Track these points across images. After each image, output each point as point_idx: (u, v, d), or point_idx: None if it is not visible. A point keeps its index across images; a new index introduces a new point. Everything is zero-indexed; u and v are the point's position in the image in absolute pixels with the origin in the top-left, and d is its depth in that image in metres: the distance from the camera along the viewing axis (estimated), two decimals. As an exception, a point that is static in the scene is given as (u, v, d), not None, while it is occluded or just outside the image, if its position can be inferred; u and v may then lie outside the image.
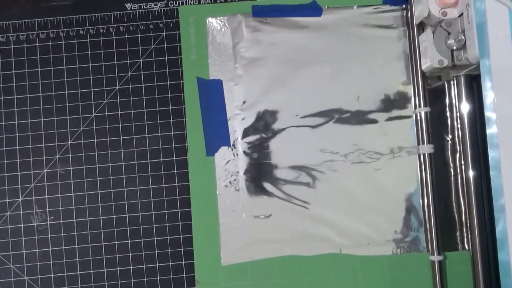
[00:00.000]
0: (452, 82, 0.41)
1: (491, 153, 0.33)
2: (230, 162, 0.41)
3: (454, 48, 0.37)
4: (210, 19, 0.42)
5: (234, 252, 0.40)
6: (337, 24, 0.42)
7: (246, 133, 0.41)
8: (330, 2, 0.42)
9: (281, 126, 0.41)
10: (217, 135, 0.41)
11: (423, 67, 0.40)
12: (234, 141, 0.41)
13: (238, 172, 0.41)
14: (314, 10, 0.42)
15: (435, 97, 0.42)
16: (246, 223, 0.41)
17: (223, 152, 0.41)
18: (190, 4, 0.42)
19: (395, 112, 0.42)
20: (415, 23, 0.40)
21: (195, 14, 0.42)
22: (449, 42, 0.37)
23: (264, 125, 0.41)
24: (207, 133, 0.41)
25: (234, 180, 0.41)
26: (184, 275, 0.40)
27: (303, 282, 0.40)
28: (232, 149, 0.41)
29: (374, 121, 0.41)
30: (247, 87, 0.42)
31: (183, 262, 0.40)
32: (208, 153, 0.41)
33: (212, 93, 0.41)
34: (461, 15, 0.37)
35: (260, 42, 0.42)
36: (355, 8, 0.42)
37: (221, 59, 0.42)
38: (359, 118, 0.41)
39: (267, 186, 0.41)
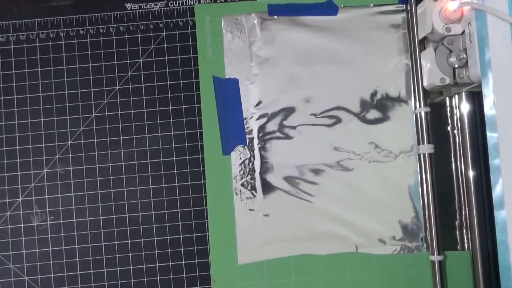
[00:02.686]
0: (453, 99, 0.41)
1: (491, 153, 0.33)
2: (246, 161, 0.41)
3: (456, 66, 0.37)
4: (225, 17, 0.42)
5: (250, 251, 0.40)
6: (352, 23, 0.42)
7: (262, 132, 0.41)
8: (346, 1, 0.42)
9: (297, 125, 0.41)
10: (233, 134, 0.41)
11: (424, 85, 0.40)
12: (250, 140, 0.41)
13: (254, 171, 0.41)
14: (330, 9, 0.42)
15: (435, 94, 0.42)
16: (262, 222, 0.41)
17: (239, 151, 0.41)
18: (191, 4, 0.42)
19: (409, 112, 0.42)
20: (417, 39, 0.40)
21: (211, 12, 0.42)
22: (450, 60, 0.37)
23: (280, 124, 0.41)
24: (223, 132, 0.41)
25: (250, 179, 0.41)
26: (185, 275, 0.40)
27: (318, 281, 0.40)
28: (248, 148, 0.41)
29: (389, 120, 0.41)
30: (262, 86, 0.42)
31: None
32: (224, 152, 0.41)
33: (228, 91, 0.41)
34: (463, 33, 0.37)
35: (275, 41, 0.42)
36: (371, 7, 0.42)
37: (236, 58, 0.42)
38: (374, 117, 0.41)
39: (283, 185, 0.41)
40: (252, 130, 0.41)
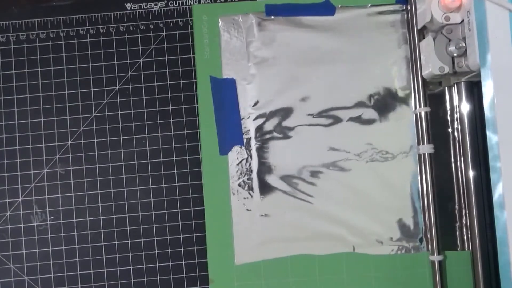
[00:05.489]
0: (453, 88, 0.41)
1: (491, 154, 0.33)
2: (243, 161, 0.41)
3: (455, 55, 0.37)
4: (223, 18, 0.42)
5: (247, 251, 0.40)
6: (349, 23, 0.42)
7: (259, 132, 0.41)
8: (343, 1, 0.42)
9: (294, 125, 0.41)
10: (230, 134, 0.41)
11: (423, 74, 0.40)
12: (247, 140, 0.41)
13: (251, 171, 0.41)
14: (327, 9, 0.42)
15: (435, 98, 0.42)
16: (259, 222, 0.41)
17: (236, 152, 0.41)
18: (191, 4, 0.42)
19: (408, 112, 0.42)
20: (416, 28, 0.40)
21: (208, 13, 0.42)
22: (449, 49, 0.37)
23: (277, 124, 0.41)
24: (220, 132, 0.41)
25: (247, 179, 0.41)
26: (185, 275, 0.40)
27: (316, 281, 0.40)
28: (245, 148, 0.41)
29: (387, 120, 0.41)
30: (260, 86, 0.42)
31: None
32: (221, 152, 0.41)
33: (225, 92, 0.41)
34: (463, 21, 0.37)
35: (272, 41, 0.42)
36: (368, 7, 0.42)
37: (234, 58, 0.42)
38: (372, 117, 0.41)
39: (280, 185, 0.41)
40: (249, 130, 0.41)
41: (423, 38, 0.40)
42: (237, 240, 0.40)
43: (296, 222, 0.41)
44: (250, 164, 0.41)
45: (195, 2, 0.43)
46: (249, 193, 0.41)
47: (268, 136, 0.41)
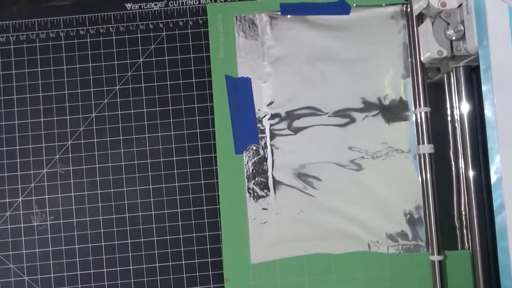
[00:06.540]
0: (451, 74, 0.41)
1: (490, 153, 0.33)
2: (259, 160, 0.41)
3: (453, 38, 0.37)
4: (237, 16, 0.42)
5: (263, 250, 0.40)
6: (365, 22, 0.42)
7: (274, 131, 0.41)
8: (358, 0, 0.42)
9: (310, 124, 0.41)
10: (246, 133, 0.41)
11: (422, 58, 0.40)
12: (262, 139, 0.41)
13: (266, 170, 0.41)
14: (343, 8, 0.42)
15: (435, 94, 0.42)
16: (275, 221, 0.41)
17: (252, 150, 0.41)
18: (191, 4, 0.43)
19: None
20: (414, 14, 0.40)
21: (223, 11, 0.42)
22: (448, 32, 0.37)
23: (292, 123, 0.41)
24: (236, 131, 0.41)
25: (263, 178, 0.41)
26: (185, 275, 0.40)
27: (331, 280, 0.40)
28: (260, 147, 0.41)
29: (403, 119, 0.41)
30: (275, 85, 0.42)
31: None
32: (237, 152, 0.41)
33: (241, 90, 0.41)
34: (460, 5, 0.37)
35: (288, 40, 0.42)
36: (383, 6, 0.42)
37: (249, 57, 0.42)
38: (387, 116, 0.41)
39: (296, 183, 0.41)
40: (264, 129, 0.41)
41: (421, 23, 0.40)
42: (253, 239, 0.40)
43: (312, 221, 0.40)
44: (265, 163, 0.41)
45: (195, 2, 0.43)
46: (265, 192, 0.41)
47: (283, 135, 0.41)
